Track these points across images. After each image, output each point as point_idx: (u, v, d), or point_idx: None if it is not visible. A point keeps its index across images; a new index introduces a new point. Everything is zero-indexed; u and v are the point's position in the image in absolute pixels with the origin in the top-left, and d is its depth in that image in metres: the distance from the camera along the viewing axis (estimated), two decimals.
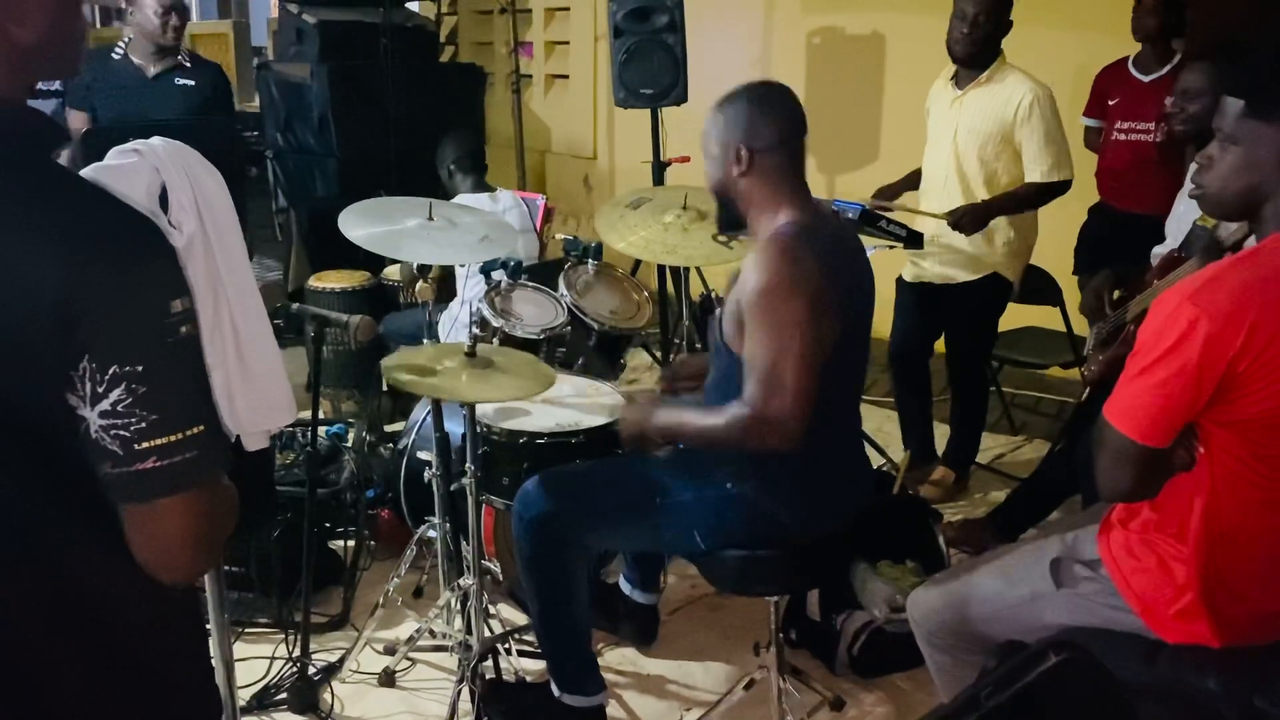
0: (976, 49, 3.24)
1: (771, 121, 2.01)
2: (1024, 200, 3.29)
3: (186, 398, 0.98)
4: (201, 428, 0.98)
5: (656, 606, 2.73)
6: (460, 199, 3.68)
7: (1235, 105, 1.57)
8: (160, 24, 3.69)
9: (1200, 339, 1.46)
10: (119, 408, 0.93)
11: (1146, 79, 3.77)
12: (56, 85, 4.86)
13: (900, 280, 3.58)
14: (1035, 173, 3.23)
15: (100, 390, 0.92)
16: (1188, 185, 2.13)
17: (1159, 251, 2.79)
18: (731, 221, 2.13)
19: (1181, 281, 1.57)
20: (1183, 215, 2.77)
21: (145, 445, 0.94)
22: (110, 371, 0.92)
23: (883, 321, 2.61)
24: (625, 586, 2.68)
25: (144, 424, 0.94)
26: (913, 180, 3.57)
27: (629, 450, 2.21)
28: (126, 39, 3.83)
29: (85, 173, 1.61)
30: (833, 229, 2.10)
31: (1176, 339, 1.48)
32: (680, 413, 2.09)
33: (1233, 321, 1.46)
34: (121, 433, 0.94)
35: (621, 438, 2.18)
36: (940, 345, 3.65)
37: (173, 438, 0.95)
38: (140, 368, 0.93)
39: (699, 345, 4.15)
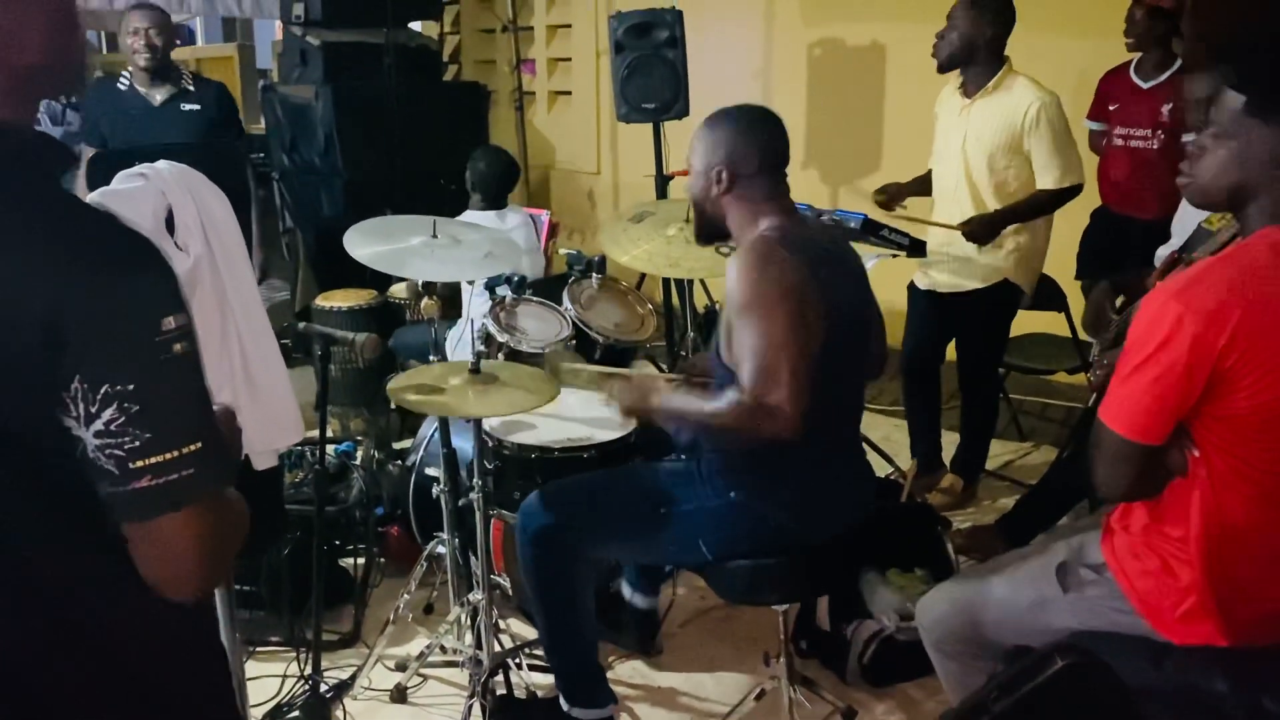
0: (945, 57, 3.25)
1: (754, 148, 2.04)
2: (1036, 208, 3.29)
3: (181, 415, 0.97)
4: (199, 444, 0.97)
5: (656, 611, 2.73)
6: (467, 215, 3.70)
7: (1235, 100, 1.56)
8: (130, 45, 3.71)
9: (1187, 337, 1.47)
10: (112, 427, 0.93)
11: (1146, 85, 3.78)
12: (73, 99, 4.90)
13: (912, 286, 3.58)
14: (1047, 180, 3.22)
15: (93, 410, 0.92)
16: None
17: (1164, 252, 2.79)
18: (709, 233, 2.17)
19: (1168, 279, 1.58)
20: (1188, 216, 2.78)
21: (140, 464, 0.94)
22: (102, 391, 0.92)
23: (894, 329, 2.60)
24: (626, 590, 2.68)
25: (138, 442, 0.94)
26: (922, 184, 3.56)
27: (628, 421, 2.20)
28: (130, 69, 3.88)
29: (92, 197, 1.63)
30: (818, 239, 2.11)
31: (1164, 337, 1.49)
32: (679, 396, 2.08)
33: (1218, 318, 1.47)
34: (116, 452, 0.93)
35: (619, 411, 2.16)
36: (950, 352, 3.65)
37: (167, 455, 0.95)
38: (131, 386, 0.93)
39: None
